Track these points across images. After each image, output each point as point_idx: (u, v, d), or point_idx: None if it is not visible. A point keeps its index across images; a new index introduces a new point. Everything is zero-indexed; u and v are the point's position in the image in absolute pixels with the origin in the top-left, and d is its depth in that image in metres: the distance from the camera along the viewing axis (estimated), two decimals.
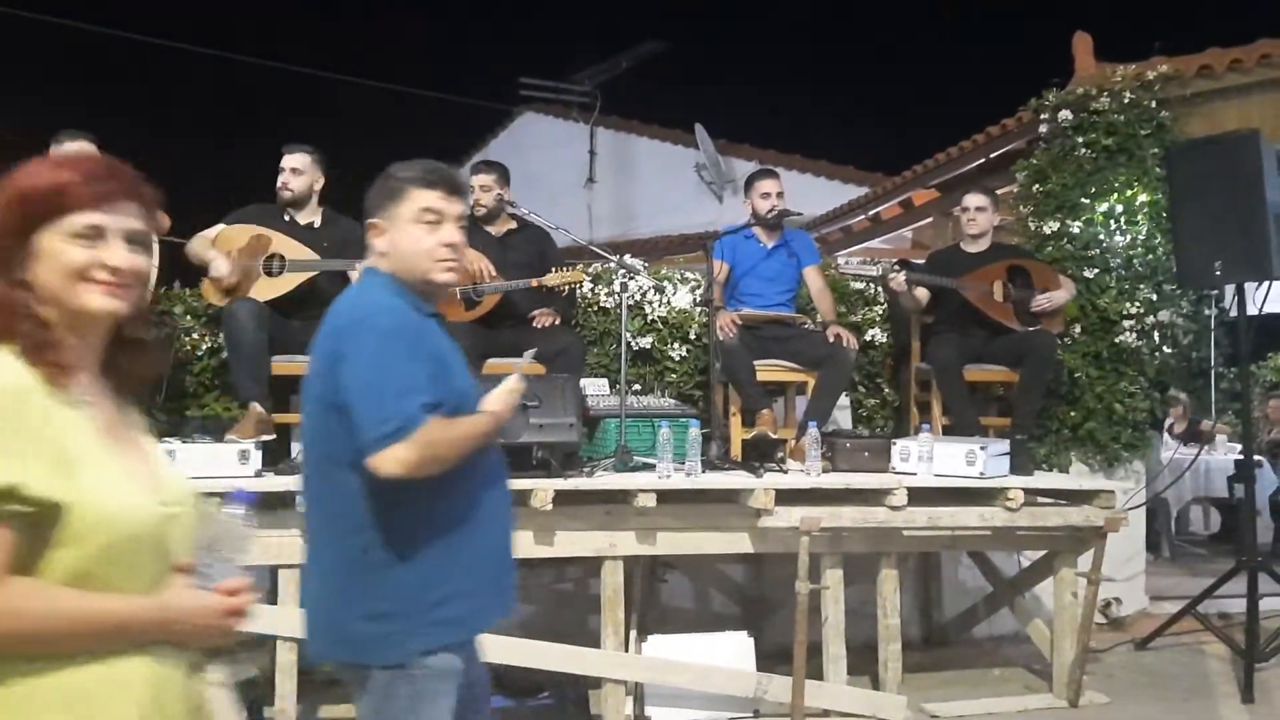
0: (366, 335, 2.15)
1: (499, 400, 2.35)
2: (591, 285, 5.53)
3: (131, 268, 1.49)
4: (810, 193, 10.40)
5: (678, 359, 5.53)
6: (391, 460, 2.07)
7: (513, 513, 2.43)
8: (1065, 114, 6.12)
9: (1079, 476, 5.76)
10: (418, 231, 2.23)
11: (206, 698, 1.62)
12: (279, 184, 4.77)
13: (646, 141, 14.35)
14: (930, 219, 9.04)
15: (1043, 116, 6.24)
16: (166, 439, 4.31)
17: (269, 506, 4.00)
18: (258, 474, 4.09)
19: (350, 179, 4.80)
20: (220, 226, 4.76)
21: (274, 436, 4.51)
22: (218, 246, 4.67)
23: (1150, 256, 6.01)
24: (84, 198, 1.45)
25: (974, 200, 5.38)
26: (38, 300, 1.45)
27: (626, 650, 4.37)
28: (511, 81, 14.96)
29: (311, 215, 4.83)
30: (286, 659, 4.03)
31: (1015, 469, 4.72)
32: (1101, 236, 6.05)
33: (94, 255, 1.46)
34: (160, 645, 1.48)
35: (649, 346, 5.51)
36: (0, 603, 1.33)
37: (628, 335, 5.02)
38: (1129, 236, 6.05)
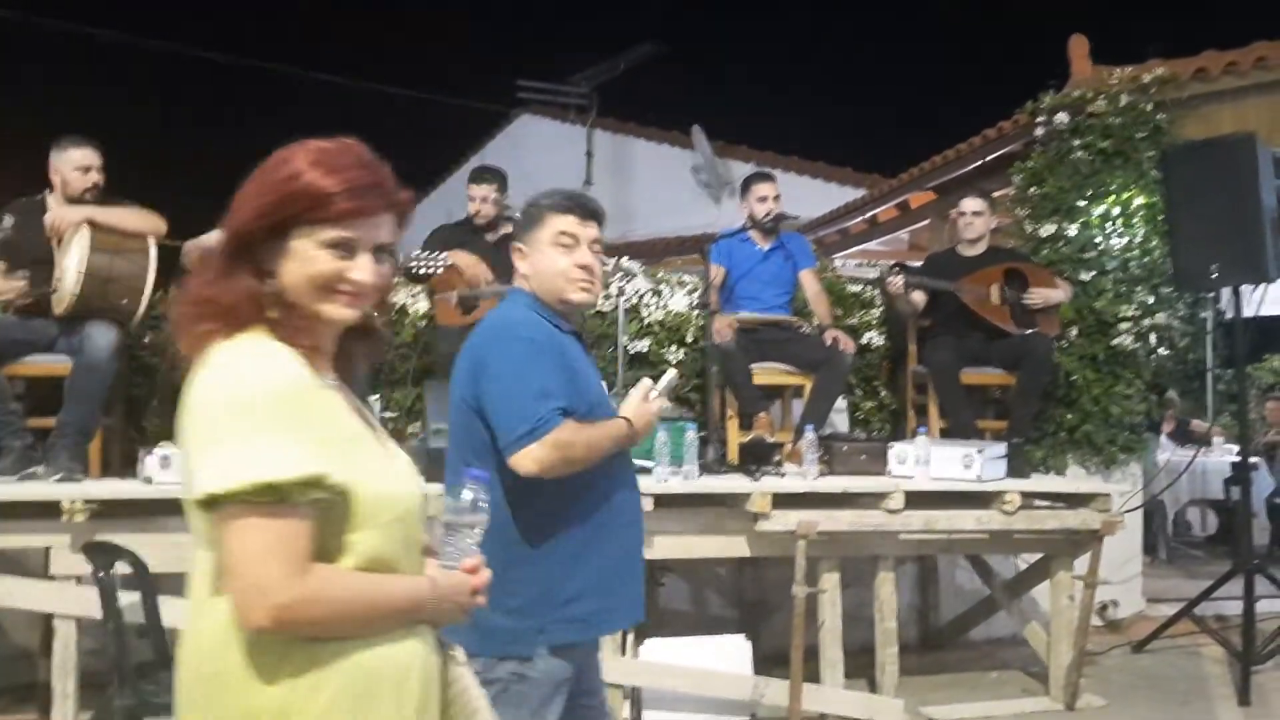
0: (508, 345, 2.34)
1: (635, 408, 2.45)
2: None
3: (375, 281, 1.51)
4: (808, 194, 10.40)
5: (674, 362, 5.53)
6: (528, 459, 2.23)
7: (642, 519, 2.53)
8: (1062, 117, 6.12)
9: (1076, 480, 5.76)
10: (554, 254, 2.40)
11: (458, 675, 1.65)
12: None
13: (644, 143, 14.35)
14: (927, 221, 9.04)
15: (1039, 119, 6.24)
16: (162, 443, 4.31)
17: None
18: None
19: None
20: (215, 233, 4.74)
21: None
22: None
23: (1147, 259, 6.01)
24: (343, 212, 1.47)
25: (971, 204, 5.39)
26: (286, 294, 1.48)
27: (624, 654, 4.37)
28: (508, 83, 14.98)
29: None
30: None
31: (1012, 472, 4.72)
32: (1098, 239, 6.05)
33: (341, 267, 1.48)
34: (421, 625, 1.52)
35: (646, 350, 5.51)
36: (306, 590, 1.35)
37: (624, 339, 5.01)
38: (1125, 239, 6.05)
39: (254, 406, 1.36)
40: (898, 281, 5.07)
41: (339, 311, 1.50)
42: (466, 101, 15.44)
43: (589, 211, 2.45)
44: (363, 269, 1.49)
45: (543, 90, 14.81)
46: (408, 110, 15.68)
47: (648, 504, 4.15)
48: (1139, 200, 6.03)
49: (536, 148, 14.58)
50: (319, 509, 1.37)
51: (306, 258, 1.47)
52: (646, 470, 4.46)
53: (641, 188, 14.10)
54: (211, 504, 1.35)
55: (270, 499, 1.33)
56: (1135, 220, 6.04)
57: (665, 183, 13.68)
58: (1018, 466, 4.81)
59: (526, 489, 2.28)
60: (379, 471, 1.47)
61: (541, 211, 2.44)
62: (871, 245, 10.37)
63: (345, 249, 1.48)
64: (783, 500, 4.29)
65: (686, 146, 13.55)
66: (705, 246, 4.84)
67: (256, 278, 1.48)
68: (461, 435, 2.41)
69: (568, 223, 2.41)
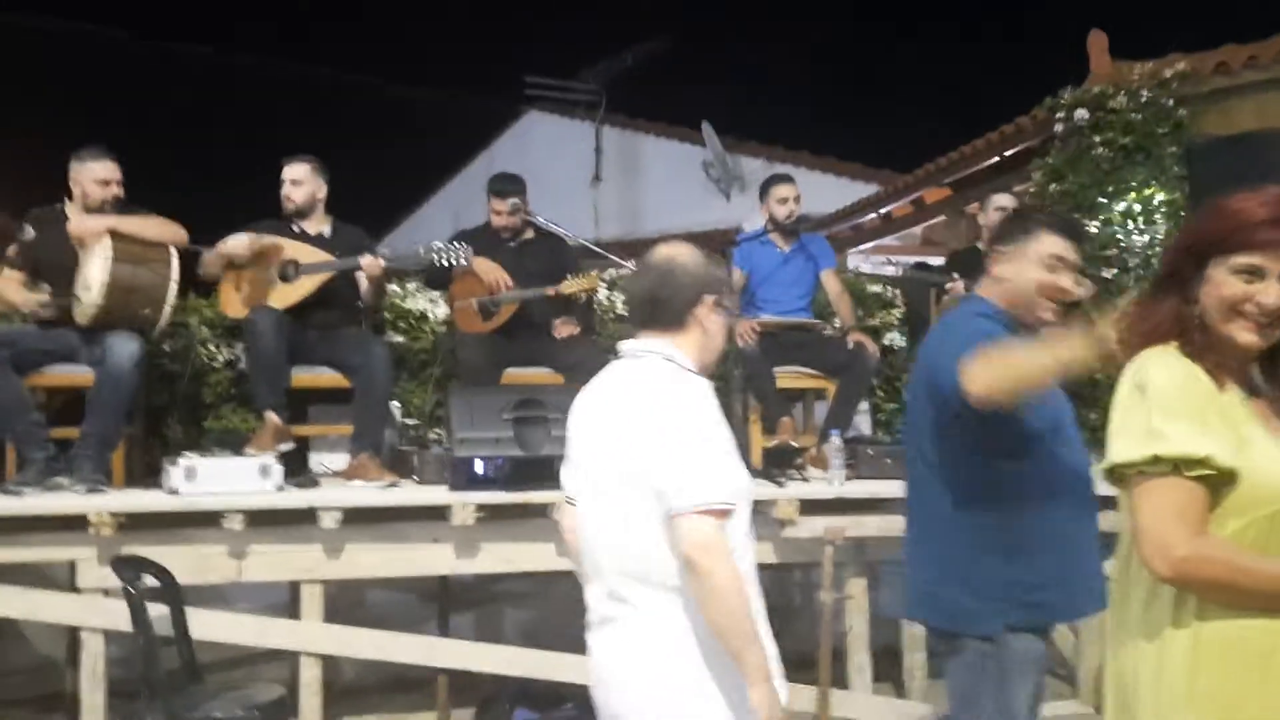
0: (961, 329, 2.49)
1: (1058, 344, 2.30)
2: (608, 291, 5.50)
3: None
4: (817, 190, 10.34)
5: None
6: (972, 380, 2.27)
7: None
8: (1081, 113, 6.06)
9: (1103, 481, 5.71)
10: (1039, 272, 2.52)
11: None
12: (282, 195, 4.73)
13: (653, 139, 14.30)
14: (943, 217, 8.99)
15: (1058, 115, 6.19)
16: (184, 453, 4.30)
17: (291, 522, 3.98)
18: (279, 489, 4.06)
19: (355, 182, 4.79)
20: (232, 239, 4.72)
21: (293, 446, 4.49)
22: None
23: None
24: (1255, 241, 1.66)
25: (1001, 200, 5.34)
26: (1202, 316, 1.70)
27: None
28: (516, 80, 14.93)
29: (320, 225, 4.79)
30: (311, 675, 4.01)
31: None
32: (1119, 236, 6.01)
33: (1248, 291, 1.66)
34: None
35: None
36: (1204, 549, 1.58)
37: None
38: (1147, 236, 6.00)
39: (1151, 397, 1.64)
40: (960, 286, 4.99)
41: (1244, 336, 1.68)
42: (474, 99, 15.39)
43: (1080, 238, 2.61)
44: (1269, 293, 1.66)
45: (551, 87, 14.77)
46: (414, 108, 15.59)
47: None
48: (1160, 196, 5.97)
49: (545, 145, 14.55)
50: (1208, 485, 1.60)
51: (1218, 282, 1.68)
52: None
53: (651, 184, 14.07)
54: (1118, 477, 1.66)
55: (1163, 470, 1.60)
56: (1157, 217, 5.98)
57: (675, 179, 13.64)
58: None
59: (1006, 482, 2.46)
60: (1272, 468, 1.62)
61: (1039, 226, 2.57)
62: (885, 241, 10.32)
63: (1252, 274, 1.66)
64: (808, 506, 4.26)
65: (696, 142, 13.51)
66: (727, 250, 4.79)
67: (1183, 301, 1.71)
68: (921, 431, 2.61)
69: (1061, 247, 2.53)
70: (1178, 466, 1.59)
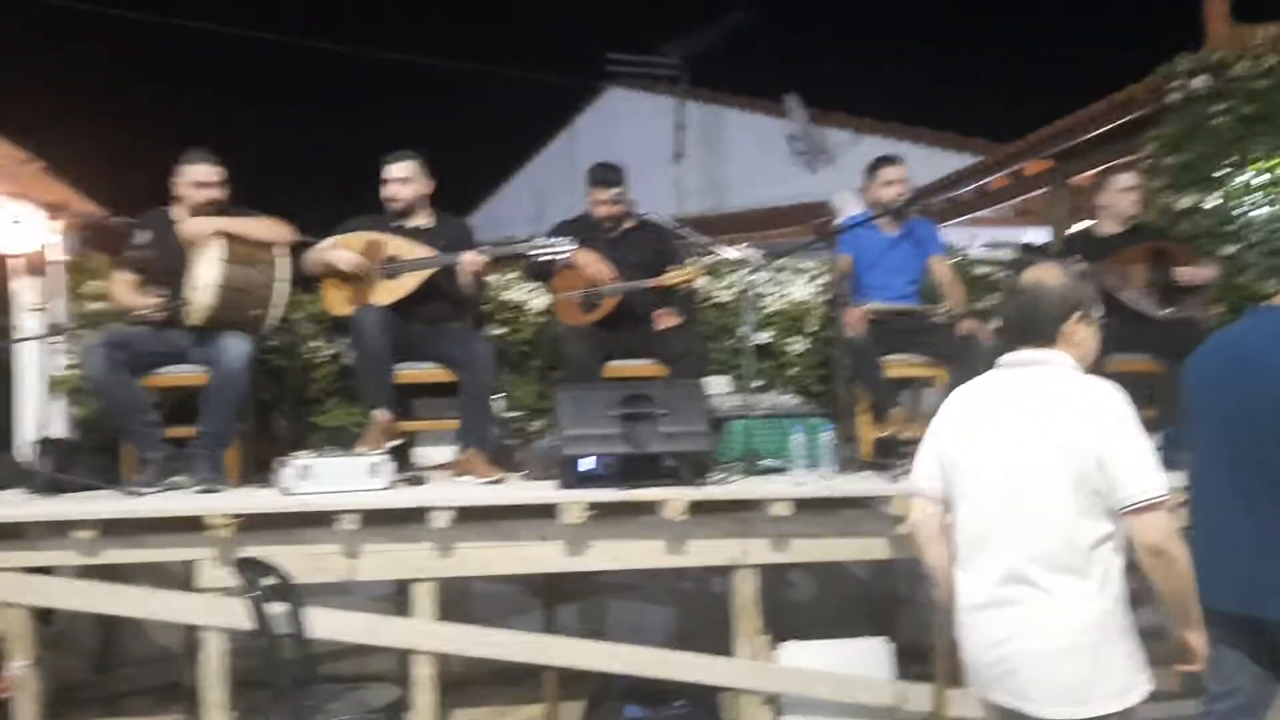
0: None
1: None
2: (707, 279, 5.41)
3: None
4: (909, 161, 10.07)
5: (798, 353, 5.39)
6: None
7: None
8: (1200, 80, 5.78)
9: None
10: None
11: None
12: (387, 195, 4.70)
13: (736, 113, 14.12)
14: (1043, 190, 8.69)
15: (1174, 84, 5.91)
16: (295, 451, 4.34)
17: (402, 520, 3.99)
18: (389, 487, 4.07)
19: (438, 162, 4.75)
20: (334, 238, 4.73)
21: (400, 442, 4.51)
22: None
23: None
24: None
25: (1125, 180, 5.09)
26: None
27: (761, 659, 4.29)
28: (598, 57, 14.84)
29: (422, 219, 4.78)
30: (424, 673, 4.02)
31: (1168, 465, 4.48)
32: (1239, 210, 5.72)
33: None
34: None
35: (768, 341, 5.38)
36: None
37: (748, 329, 4.86)
38: (1271, 209, 5.71)
39: None
40: (1081, 269, 4.78)
41: None
42: (555, 77, 15.35)
43: None
44: None
45: (633, 63, 14.65)
46: (497, 87, 15.62)
47: (785, 509, 4.06)
48: None
49: (627, 122, 14.47)
50: None
51: None
52: (778, 470, 4.37)
53: (734, 159, 13.91)
54: None
55: None
56: None
57: (759, 153, 13.47)
58: (1174, 459, 4.56)
59: None
60: None
61: None
62: (981, 214, 10.04)
63: None
64: None
65: (779, 115, 13.30)
66: (832, 237, 4.65)
67: None
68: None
69: None
70: None
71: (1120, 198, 5.03)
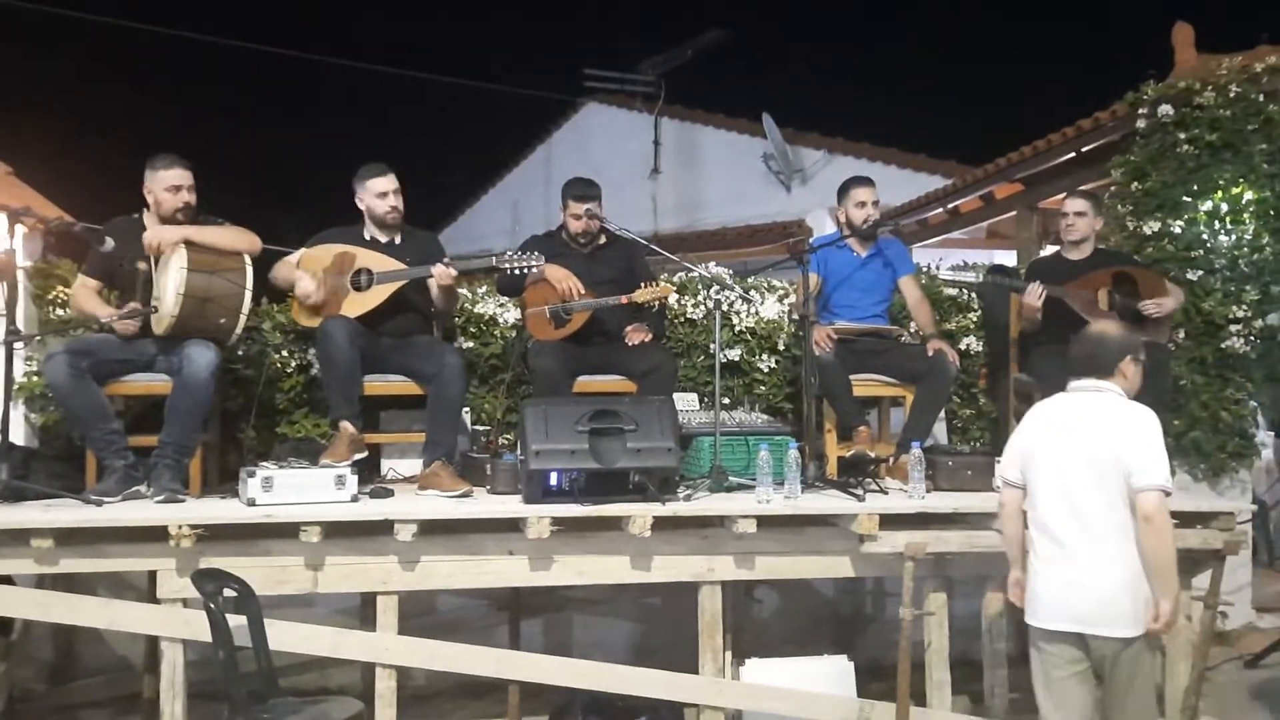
0: None
1: None
2: (678, 296, 5.43)
3: None
4: (880, 182, 10.13)
5: (766, 371, 5.41)
6: None
7: None
8: (1166, 108, 5.87)
9: (1196, 496, 5.51)
10: None
11: None
12: (388, 207, 4.70)
13: (712, 131, 14.16)
14: (1013, 213, 8.79)
15: (1141, 111, 6.00)
16: (260, 461, 4.31)
17: (366, 533, 3.97)
18: (354, 499, 4.05)
19: (414, 175, 4.76)
20: (303, 250, 4.72)
21: (366, 454, 4.48)
22: (303, 267, 4.63)
23: (1257, 257, 5.76)
24: None
25: (1073, 205, 5.17)
26: None
27: (724, 675, 4.29)
28: (575, 72, 14.88)
29: (392, 231, 4.77)
30: (386, 685, 4.00)
31: None
32: (1205, 236, 5.81)
33: None
34: None
35: (737, 359, 5.40)
36: None
37: (716, 346, 4.89)
38: (1234, 236, 5.80)
39: None
40: (1039, 291, 4.86)
41: None
42: (532, 91, 15.37)
43: None
44: None
45: (609, 79, 14.69)
46: (473, 101, 15.62)
47: (750, 526, 4.07)
48: (1249, 195, 5.78)
49: (603, 137, 14.49)
50: None
51: None
52: (745, 486, 4.38)
53: (710, 176, 13.94)
54: None
55: None
56: (1245, 216, 5.78)
57: (734, 171, 13.50)
58: None
59: None
60: None
61: None
62: (952, 235, 10.13)
63: None
64: (887, 520, 4.16)
65: (755, 134, 13.34)
66: (804, 256, 4.66)
67: None
68: None
69: None
70: None
71: (1069, 221, 5.10)
